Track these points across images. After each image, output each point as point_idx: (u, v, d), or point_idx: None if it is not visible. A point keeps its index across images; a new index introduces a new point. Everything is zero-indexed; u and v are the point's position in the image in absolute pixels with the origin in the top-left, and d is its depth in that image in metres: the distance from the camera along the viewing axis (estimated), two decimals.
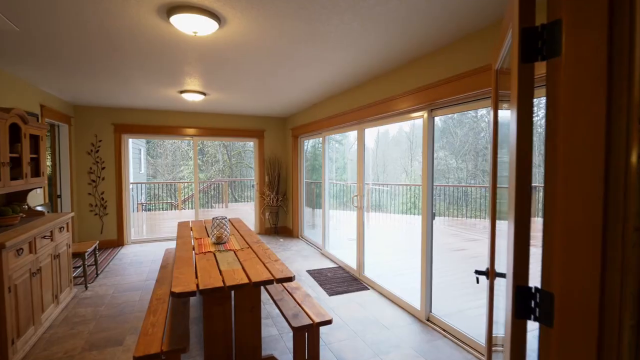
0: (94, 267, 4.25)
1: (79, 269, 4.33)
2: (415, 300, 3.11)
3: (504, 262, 1.72)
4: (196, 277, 2.10)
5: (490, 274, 1.60)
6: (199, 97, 4.46)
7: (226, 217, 2.92)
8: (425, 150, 2.91)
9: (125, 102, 5.17)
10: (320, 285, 3.81)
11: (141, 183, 10.93)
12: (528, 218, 0.98)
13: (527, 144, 0.96)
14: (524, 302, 0.97)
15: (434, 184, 2.97)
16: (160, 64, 3.11)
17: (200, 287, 1.91)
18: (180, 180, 15.03)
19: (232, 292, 2.17)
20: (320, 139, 5.33)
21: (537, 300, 0.95)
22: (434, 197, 2.98)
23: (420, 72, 2.83)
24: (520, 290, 0.98)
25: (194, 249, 2.76)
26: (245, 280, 2.02)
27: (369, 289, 3.69)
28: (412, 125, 16.05)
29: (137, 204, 10.74)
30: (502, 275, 1.61)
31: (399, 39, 2.45)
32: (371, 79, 3.59)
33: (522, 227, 0.99)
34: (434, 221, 2.96)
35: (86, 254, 3.79)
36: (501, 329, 1.32)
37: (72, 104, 5.33)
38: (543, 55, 0.92)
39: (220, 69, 3.29)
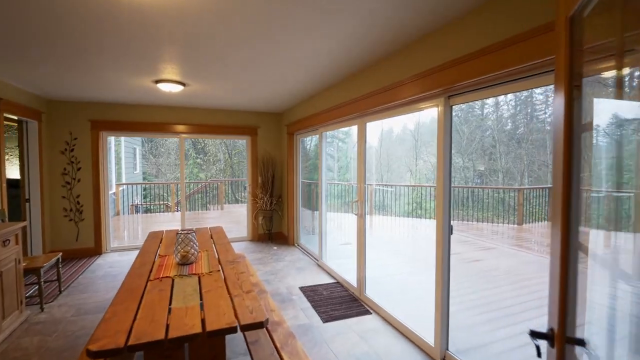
0: (57, 282, 3.72)
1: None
2: (427, 331, 2.53)
3: (581, 313, 1.13)
4: (134, 319, 1.55)
5: (558, 338, 1.03)
6: (176, 88, 3.91)
7: (193, 231, 2.37)
8: (441, 148, 2.32)
9: (102, 95, 4.64)
10: (314, 307, 3.25)
11: (131, 184, 10.43)
12: None
13: None
14: None
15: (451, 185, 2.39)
16: (110, 37, 2.55)
17: (131, 342, 1.35)
18: (171, 181, 14.49)
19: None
20: (317, 136, 4.76)
21: None
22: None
23: (436, 47, 2.25)
24: None
25: (151, 271, 2.21)
26: (198, 328, 1.46)
27: (371, 313, 3.12)
28: (417, 123, 15.44)
29: (130, 205, 10.29)
30: (580, 343, 1.04)
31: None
32: (374, 61, 3.02)
33: None
34: (451, 236, 2.39)
35: (42, 269, 3.26)
36: None
37: (44, 98, 4.81)
38: None
39: (193, 49, 2.74)
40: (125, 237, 7.46)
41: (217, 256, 2.58)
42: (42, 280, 3.27)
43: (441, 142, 2.31)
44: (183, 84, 3.89)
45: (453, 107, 2.31)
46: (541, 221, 7.44)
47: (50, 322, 3.04)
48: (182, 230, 2.35)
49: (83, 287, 3.87)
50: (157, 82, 3.76)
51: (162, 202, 10.93)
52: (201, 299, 1.78)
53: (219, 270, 2.22)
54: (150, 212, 10.76)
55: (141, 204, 10.94)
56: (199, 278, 2.08)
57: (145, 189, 12.43)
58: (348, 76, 3.52)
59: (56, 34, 2.38)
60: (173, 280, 2.05)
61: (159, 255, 2.59)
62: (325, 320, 2.98)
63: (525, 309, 3.34)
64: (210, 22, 2.17)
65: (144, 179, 15.92)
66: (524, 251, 5.53)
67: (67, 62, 3.07)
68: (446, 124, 2.30)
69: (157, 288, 1.92)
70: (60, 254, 3.69)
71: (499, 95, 2.03)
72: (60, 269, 3.70)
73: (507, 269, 4.63)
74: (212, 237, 3.24)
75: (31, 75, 3.58)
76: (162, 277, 2.08)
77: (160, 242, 3.04)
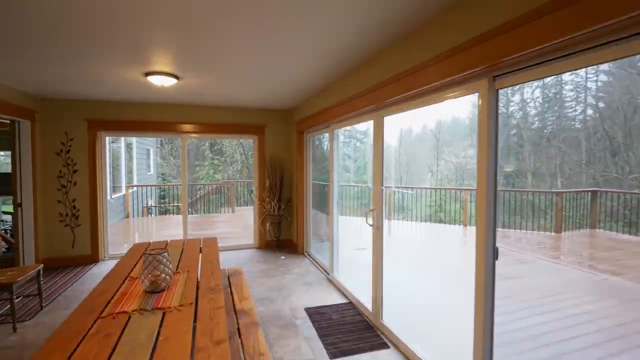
0: (39, 297, 3.36)
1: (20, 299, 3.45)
2: None
3: None
4: None
5: None
6: (169, 81, 3.48)
7: (166, 251, 1.89)
8: (485, 145, 1.75)
9: (97, 92, 4.30)
10: (321, 336, 2.73)
11: (142, 186, 10.24)
12: None
13: None
14: None
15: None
16: (99, 23, 2.13)
17: None
18: (179, 184, 14.32)
19: None
20: (328, 134, 4.23)
21: None
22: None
23: (473, 13, 1.69)
24: None
25: (109, 302, 1.75)
26: None
27: (388, 347, 2.57)
28: (438, 122, 14.67)
29: (143, 207, 10.14)
30: None
31: None
32: (395, 40, 2.47)
33: None
34: (496, 262, 1.81)
35: (15, 285, 2.89)
36: None
37: (38, 97, 4.52)
38: None
39: (189, 37, 2.28)
40: (137, 238, 7.33)
41: (197, 281, 2.10)
42: (14, 297, 2.90)
43: (484, 136, 1.74)
44: (176, 77, 3.46)
45: (499, 90, 1.73)
46: (583, 229, 6.62)
47: (18, 347, 2.65)
48: (151, 250, 1.89)
49: (67, 302, 3.50)
50: (147, 74, 3.35)
51: (175, 204, 10.76)
52: (154, 352, 1.30)
53: (192, 303, 1.73)
54: (168, 214, 10.64)
55: (155, 206, 10.79)
56: (164, 315, 1.60)
57: (163, 190, 12.34)
58: (362, 64, 2.99)
59: (39, 21, 1.97)
60: (130, 316, 1.59)
61: (130, 277, 2.14)
62: (332, 356, 2.45)
63: (584, 346, 2.70)
64: (207, 9, 1.70)
65: (163, 180, 15.89)
66: (566, 265, 4.80)
67: (48, 51, 2.69)
68: (490, 113, 1.73)
69: (103, 332, 1.45)
70: (41, 266, 3.33)
71: (570, 71, 1.44)
72: (42, 282, 3.34)
73: (550, 290, 3.94)
74: (201, 252, 2.78)
75: (16, 68, 3.23)
76: (117, 313, 1.61)
77: (140, 259, 2.60)
